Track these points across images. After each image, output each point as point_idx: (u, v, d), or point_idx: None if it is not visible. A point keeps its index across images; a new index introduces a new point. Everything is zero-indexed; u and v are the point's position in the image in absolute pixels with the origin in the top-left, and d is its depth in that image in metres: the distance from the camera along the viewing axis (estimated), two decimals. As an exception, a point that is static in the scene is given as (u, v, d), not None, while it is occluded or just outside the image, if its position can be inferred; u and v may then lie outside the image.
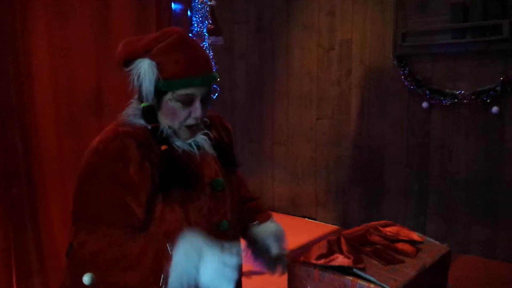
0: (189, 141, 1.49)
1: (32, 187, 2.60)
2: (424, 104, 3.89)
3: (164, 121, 1.47)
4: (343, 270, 1.60)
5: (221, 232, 1.49)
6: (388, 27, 4.06)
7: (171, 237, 1.32)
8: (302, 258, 1.69)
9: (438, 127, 3.91)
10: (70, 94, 2.74)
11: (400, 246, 1.78)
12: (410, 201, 4.11)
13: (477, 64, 3.66)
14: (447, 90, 3.78)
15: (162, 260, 1.28)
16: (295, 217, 4.91)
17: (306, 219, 4.86)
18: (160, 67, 1.41)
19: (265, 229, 1.67)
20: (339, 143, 4.55)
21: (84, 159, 1.43)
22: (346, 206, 4.57)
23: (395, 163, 4.18)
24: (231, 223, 1.53)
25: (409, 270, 1.64)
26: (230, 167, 1.61)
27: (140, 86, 1.43)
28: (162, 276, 1.27)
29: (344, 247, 1.68)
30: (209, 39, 3.28)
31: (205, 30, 3.24)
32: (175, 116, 1.45)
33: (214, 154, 1.54)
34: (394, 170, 4.19)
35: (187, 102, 1.44)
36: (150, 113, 1.46)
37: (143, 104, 1.47)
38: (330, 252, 1.67)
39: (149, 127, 1.45)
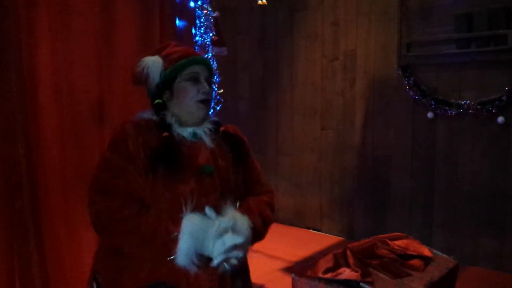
0: (189, 130, 1.67)
1: (36, 199, 2.58)
2: (429, 114, 3.87)
3: (176, 110, 1.69)
4: (349, 284, 1.57)
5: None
6: (392, 37, 4.05)
7: (164, 214, 1.51)
8: (309, 273, 1.66)
9: (444, 138, 3.88)
10: (74, 107, 2.73)
11: (408, 260, 1.75)
12: (416, 212, 4.07)
13: (482, 74, 3.64)
14: (452, 100, 3.76)
15: (169, 242, 1.45)
16: (300, 228, 4.87)
17: (311, 230, 4.82)
18: (164, 59, 1.69)
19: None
20: (344, 154, 4.53)
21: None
22: (351, 218, 4.53)
23: (401, 174, 4.15)
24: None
25: (416, 284, 1.61)
26: (235, 161, 1.75)
27: (147, 80, 1.68)
28: (171, 254, 1.45)
29: (351, 260, 1.66)
30: (213, 50, 3.28)
31: (209, 41, 3.24)
32: (186, 94, 1.68)
33: (211, 147, 1.69)
34: (400, 181, 4.16)
35: (194, 79, 1.69)
36: (159, 108, 1.69)
37: (157, 101, 1.71)
38: (336, 266, 1.64)
39: (155, 118, 1.67)
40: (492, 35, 3.49)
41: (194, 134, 1.67)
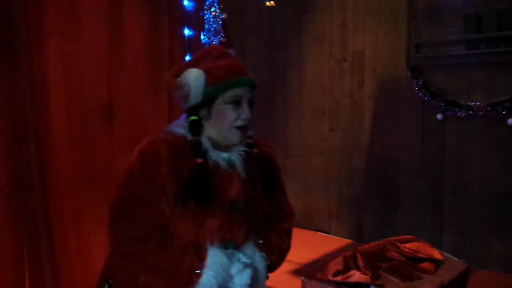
0: (224, 156, 1.57)
1: (46, 200, 2.60)
2: (439, 116, 3.85)
3: (211, 131, 1.58)
4: (359, 287, 1.56)
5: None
6: (401, 38, 4.04)
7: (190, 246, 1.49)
8: (318, 275, 1.66)
9: (453, 139, 3.86)
10: (83, 108, 2.76)
11: (419, 263, 1.74)
12: (426, 214, 4.05)
13: (491, 75, 3.62)
14: (462, 102, 3.74)
15: (192, 275, 1.45)
16: (309, 230, 4.86)
17: (320, 232, 4.81)
18: (207, 75, 1.54)
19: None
20: (352, 155, 4.51)
21: (129, 161, 1.56)
22: (360, 219, 4.51)
23: (410, 175, 4.13)
24: (240, 246, 1.57)
25: (427, 287, 1.60)
26: (264, 189, 1.67)
27: (188, 95, 1.54)
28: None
29: (361, 263, 1.65)
30: (221, 52, 3.28)
31: (217, 43, 3.24)
32: (225, 118, 1.55)
33: (244, 175, 1.60)
34: (409, 182, 4.14)
35: (236, 103, 1.56)
36: (196, 126, 1.57)
37: (192, 117, 1.57)
38: (346, 269, 1.64)
39: (190, 138, 1.55)
40: (501, 36, 3.47)
41: (229, 161, 1.59)
